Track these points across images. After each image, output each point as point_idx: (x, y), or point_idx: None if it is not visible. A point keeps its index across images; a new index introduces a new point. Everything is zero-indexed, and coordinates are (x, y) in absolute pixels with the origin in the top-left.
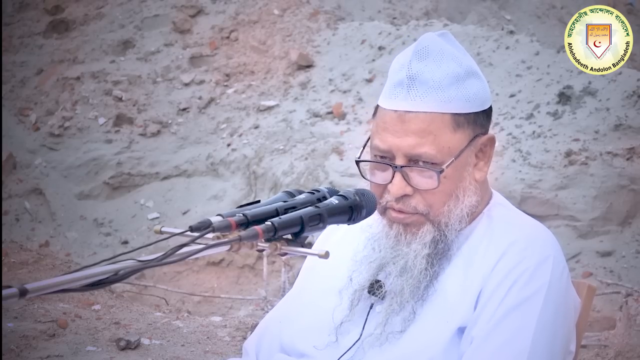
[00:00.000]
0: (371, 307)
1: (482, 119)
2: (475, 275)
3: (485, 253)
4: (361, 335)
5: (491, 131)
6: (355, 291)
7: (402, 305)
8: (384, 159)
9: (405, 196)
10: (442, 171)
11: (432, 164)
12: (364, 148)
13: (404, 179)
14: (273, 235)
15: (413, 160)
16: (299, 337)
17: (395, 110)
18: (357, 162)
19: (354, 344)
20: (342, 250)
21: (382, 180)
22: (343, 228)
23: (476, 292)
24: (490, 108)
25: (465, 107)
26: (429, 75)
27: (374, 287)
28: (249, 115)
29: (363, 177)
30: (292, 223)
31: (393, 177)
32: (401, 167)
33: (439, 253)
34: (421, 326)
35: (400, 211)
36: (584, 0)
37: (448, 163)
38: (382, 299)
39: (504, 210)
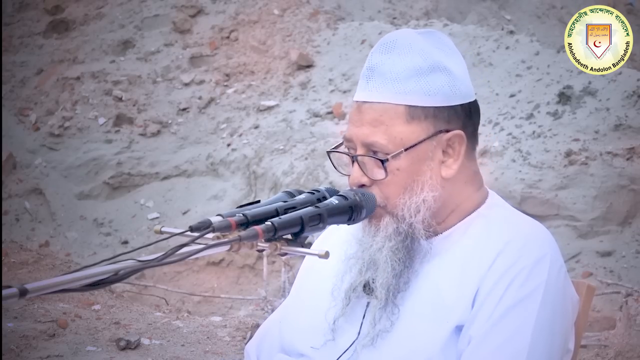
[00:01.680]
0: (367, 306)
1: (446, 114)
2: (472, 274)
3: (482, 252)
4: (359, 334)
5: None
6: (347, 291)
7: (382, 301)
8: (350, 151)
9: (364, 187)
10: (386, 160)
11: (385, 154)
12: (341, 143)
13: (361, 169)
14: (273, 235)
15: (370, 151)
16: (298, 337)
17: (356, 101)
18: (328, 153)
19: (352, 344)
20: (340, 251)
21: (349, 172)
22: (343, 228)
23: (473, 291)
24: (466, 106)
25: (423, 100)
26: (387, 67)
27: (369, 286)
28: (249, 115)
29: (335, 168)
30: (292, 223)
31: (352, 166)
32: (355, 156)
33: (407, 247)
34: (413, 326)
35: None
36: (584, 0)
37: (395, 153)
38: (374, 295)
39: (501, 210)
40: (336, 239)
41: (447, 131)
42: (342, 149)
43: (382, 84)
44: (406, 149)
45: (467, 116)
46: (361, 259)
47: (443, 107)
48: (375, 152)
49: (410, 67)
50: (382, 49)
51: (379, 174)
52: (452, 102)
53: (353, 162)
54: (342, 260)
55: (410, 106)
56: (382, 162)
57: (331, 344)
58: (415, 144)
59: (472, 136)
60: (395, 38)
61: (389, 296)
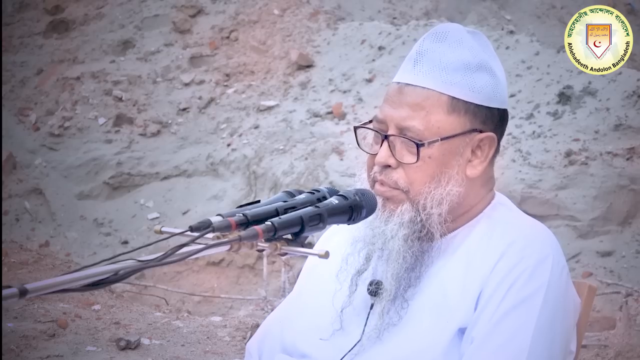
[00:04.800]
0: (371, 308)
1: (484, 115)
2: (476, 276)
3: (485, 253)
4: (363, 331)
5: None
6: (352, 277)
7: (391, 292)
8: (379, 129)
9: (389, 168)
10: (422, 144)
11: (419, 139)
12: (370, 122)
13: (390, 149)
14: (273, 235)
15: (402, 133)
16: (301, 337)
17: (398, 83)
18: (355, 128)
19: (356, 343)
20: (342, 251)
21: (374, 151)
22: (345, 228)
23: (476, 293)
24: (501, 111)
25: (466, 95)
26: (437, 55)
27: (373, 286)
28: (249, 115)
29: (358, 145)
30: (292, 223)
31: (381, 146)
32: (387, 135)
33: (420, 239)
34: (419, 324)
35: (382, 183)
36: (584, 0)
37: (431, 140)
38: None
39: (505, 211)
40: (339, 240)
41: (481, 131)
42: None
43: (430, 70)
44: (442, 139)
45: (500, 121)
46: (370, 244)
47: (483, 106)
48: (411, 136)
49: (459, 60)
50: (433, 38)
51: (410, 158)
52: (492, 104)
53: (382, 141)
54: (349, 243)
55: (453, 98)
56: (418, 146)
57: (339, 333)
58: (452, 136)
59: (499, 142)
60: (448, 30)
61: (399, 289)
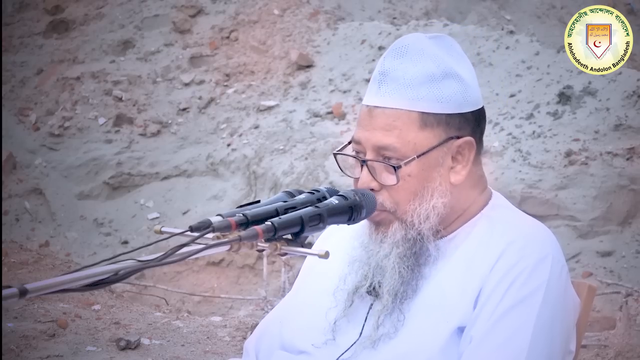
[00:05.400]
0: (370, 308)
1: (457, 122)
2: (475, 275)
3: (484, 253)
4: (360, 334)
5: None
6: (349, 293)
7: (388, 307)
8: (358, 154)
9: (372, 191)
10: (399, 167)
11: (397, 159)
12: (348, 144)
13: (371, 173)
14: (273, 235)
15: (381, 155)
16: (298, 335)
17: (367, 105)
18: (335, 155)
19: (353, 344)
20: (341, 251)
21: (357, 174)
22: (344, 228)
23: (475, 292)
24: (476, 112)
25: (435, 107)
26: (400, 73)
27: (372, 287)
28: (249, 115)
29: (341, 170)
30: (292, 223)
31: (362, 170)
32: (365, 160)
33: (416, 254)
34: (416, 327)
35: None
36: (584, 0)
37: (408, 160)
38: (379, 298)
39: (504, 211)
40: (337, 239)
41: (458, 137)
42: (349, 150)
43: (395, 90)
44: (418, 156)
45: (476, 122)
46: (367, 265)
47: (455, 114)
48: (386, 157)
49: (423, 73)
50: (394, 54)
51: (390, 179)
52: (464, 110)
53: (362, 166)
54: (346, 262)
55: (423, 113)
56: (395, 168)
57: (331, 343)
58: (428, 150)
59: (479, 141)
60: (407, 43)
61: (396, 303)
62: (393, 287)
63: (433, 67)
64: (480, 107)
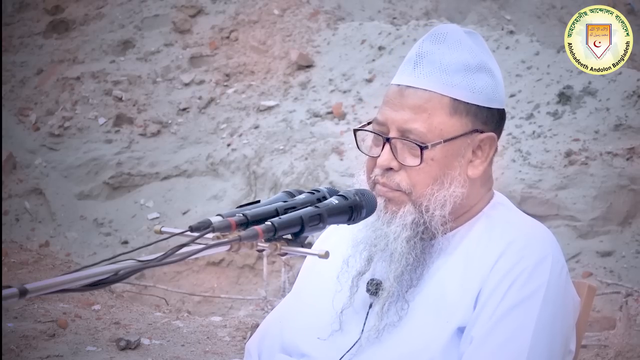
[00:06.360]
0: (370, 306)
1: (485, 115)
2: (475, 275)
3: (484, 253)
4: (362, 331)
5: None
6: (354, 277)
7: (392, 293)
8: (380, 131)
9: (390, 170)
10: (426, 147)
11: (422, 142)
12: (368, 124)
13: (392, 152)
14: (273, 235)
15: (404, 135)
16: (300, 336)
17: (399, 85)
18: (355, 131)
19: (355, 342)
20: (342, 250)
21: (374, 154)
22: (344, 228)
23: (475, 292)
24: (501, 111)
25: (467, 96)
26: (438, 57)
27: (372, 286)
28: (249, 115)
29: (358, 147)
30: (292, 223)
31: (382, 149)
32: (390, 138)
33: (423, 240)
34: (418, 323)
35: (383, 185)
36: (584, 0)
37: (434, 142)
38: (379, 296)
39: (504, 210)
40: (337, 239)
41: (482, 132)
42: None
43: (431, 72)
44: (445, 140)
45: (499, 121)
46: (372, 246)
47: (484, 107)
48: (414, 139)
49: (459, 61)
50: (432, 39)
51: (413, 160)
52: (492, 105)
53: (384, 144)
54: (350, 246)
55: (455, 99)
56: (422, 148)
57: (338, 334)
58: (454, 137)
59: (498, 141)
60: (446, 31)
61: (401, 290)
62: (399, 273)
63: (469, 57)
64: (504, 107)
